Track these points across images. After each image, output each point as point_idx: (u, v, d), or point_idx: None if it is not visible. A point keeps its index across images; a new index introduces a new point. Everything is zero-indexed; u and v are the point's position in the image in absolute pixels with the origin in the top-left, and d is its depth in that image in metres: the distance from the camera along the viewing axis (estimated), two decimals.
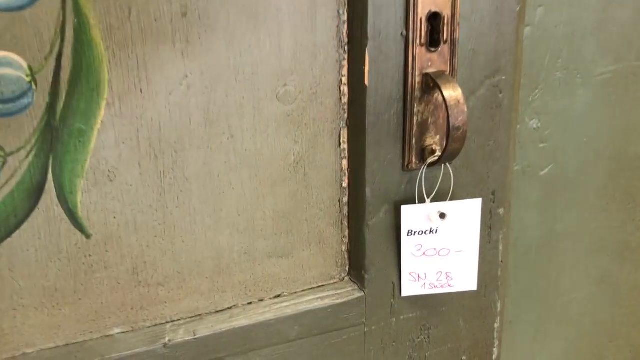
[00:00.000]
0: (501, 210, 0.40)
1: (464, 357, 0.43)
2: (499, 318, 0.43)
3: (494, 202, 0.39)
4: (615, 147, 0.46)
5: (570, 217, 0.46)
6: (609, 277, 0.50)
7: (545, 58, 0.41)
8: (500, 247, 0.41)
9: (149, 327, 0.34)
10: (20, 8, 0.27)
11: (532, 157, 0.43)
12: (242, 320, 0.35)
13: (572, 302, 0.49)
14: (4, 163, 0.28)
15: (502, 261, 0.41)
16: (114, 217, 0.31)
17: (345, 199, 0.37)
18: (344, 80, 0.34)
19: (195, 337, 0.34)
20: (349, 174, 0.36)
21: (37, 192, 0.29)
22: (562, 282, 0.48)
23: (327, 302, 0.37)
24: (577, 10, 0.41)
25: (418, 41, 0.34)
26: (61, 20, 0.28)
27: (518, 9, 0.36)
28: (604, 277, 0.49)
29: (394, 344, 0.40)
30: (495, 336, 0.43)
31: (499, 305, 0.42)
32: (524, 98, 0.41)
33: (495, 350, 0.44)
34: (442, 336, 0.41)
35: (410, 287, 0.38)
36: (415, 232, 0.37)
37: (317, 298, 0.37)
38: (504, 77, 0.37)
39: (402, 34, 0.33)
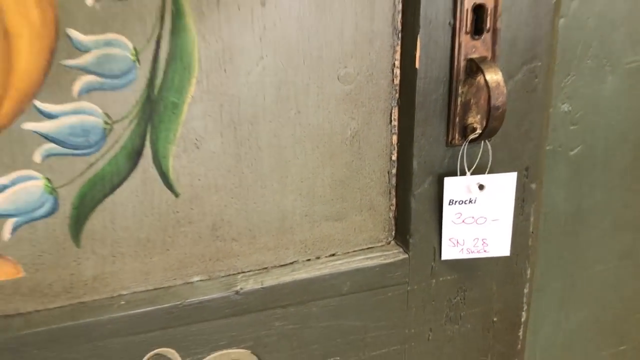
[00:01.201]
0: (534, 185, 0.44)
1: (495, 319, 0.47)
2: (528, 284, 0.47)
3: (527, 178, 0.44)
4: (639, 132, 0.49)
5: (596, 194, 0.50)
6: (632, 253, 0.53)
7: (578, 47, 0.45)
8: (532, 219, 0.45)
9: (223, 276, 0.39)
10: None
11: (563, 138, 0.47)
12: (302, 274, 0.40)
13: (596, 274, 0.53)
14: (111, 130, 0.33)
15: (532, 232, 0.45)
16: (199, 180, 0.36)
17: (394, 171, 0.41)
18: (397, 63, 0.39)
19: (263, 286, 0.38)
20: (398, 148, 0.41)
21: (136, 155, 0.34)
22: (588, 255, 0.52)
23: (375, 262, 0.42)
24: (608, 3, 0.44)
25: (464, 29, 0.38)
26: (161, 8, 0.32)
27: (554, 1, 0.40)
28: (627, 252, 0.53)
29: (433, 302, 0.44)
30: (525, 301, 0.48)
31: (528, 272, 0.47)
32: (556, 83, 0.45)
33: (524, 314, 0.48)
34: (476, 298, 0.46)
35: (449, 252, 0.43)
36: (455, 202, 0.41)
37: (367, 258, 0.42)
38: (539, 64, 0.41)
39: (449, 23, 0.38)
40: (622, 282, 0.54)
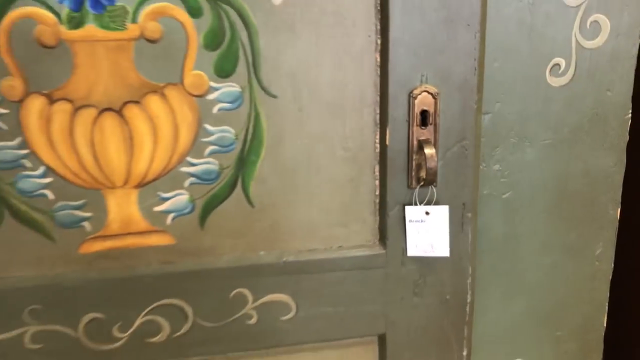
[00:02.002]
0: (469, 214, 0.72)
1: (448, 297, 0.75)
2: (470, 277, 0.74)
3: (464, 209, 0.71)
4: (556, 184, 0.75)
5: (524, 224, 0.76)
6: (558, 263, 0.79)
7: (502, 130, 0.72)
8: (470, 235, 0.72)
9: (276, 253, 0.70)
10: (235, 107, 0.65)
11: (497, 186, 0.74)
12: (321, 256, 0.70)
13: (531, 275, 0.79)
14: (222, 171, 0.67)
15: (470, 243, 0.73)
16: (265, 199, 0.68)
17: (377, 201, 0.71)
18: (377, 141, 0.69)
19: (297, 260, 0.70)
20: (379, 188, 0.71)
21: (233, 185, 0.67)
22: (523, 262, 0.78)
23: (366, 253, 0.71)
24: (524, 104, 0.71)
25: (415, 123, 0.67)
26: (249, 114, 0.65)
27: (476, 107, 0.68)
28: (555, 262, 0.78)
29: (402, 282, 0.73)
30: (468, 287, 0.75)
31: (469, 269, 0.74)
32: (488, 152, 0.72)
33: (468, 297, 0.75)
34: (433, 282, 0.74)
35: (411, 250, 0.71)
36: (413, 221, 0.70)
37: (360, 250, 0.72)
38: (467, 142, 0.69)
39: (406, 120, 0.67)
40: (553, 281, 0.79)
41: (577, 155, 0.74)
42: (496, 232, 0.76)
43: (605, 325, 0.82)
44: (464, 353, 0.77)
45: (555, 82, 0.70)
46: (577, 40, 0.69)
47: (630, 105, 0.72)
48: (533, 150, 0.73)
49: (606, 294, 0.81)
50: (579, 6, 0.68)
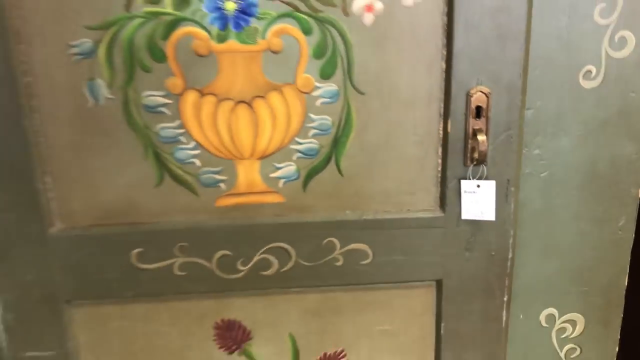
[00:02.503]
0: (512, 188, 0.91)
1: (493, 253, 0.95)
2: (511, 238, 0.94)
3: (508, 184, 0.91)
4: (587, 167, 0.93)
5: (559, 198, 0.95)
6: (586, 235, 0.97)
7: (542, 123, 0.90)
8: (512, 205, 0.92)
9: (358, 212, 0.92)
10: (333, 101, 0.86)
11: (536, 167, 0.93)
12: (393, 215, 0.92)
13: (566, 238, 0.97)
14: (321, 148, 0.89)
15: (513, 211, 0.92)
16: (352, 170, 0.90)
17: (439, 176, 0.91)
18: (440, 130, 0.89)
19: (375, 218, 0.91)
20: (441, 165, 0.91)
21: (328, 160, 0.89)
22: (556, 231, 0.97)
23: (429, 215, 0.92)
24: (561, 102, 0.89)
25: (471, 116, 0.87)
26: (343, 107, 0.87)
27: (520, 104, 0.87)
28: (582, 234, 0.97)
29: (457, 239, 0.93)
30: (510, 246, 0.94)
31: (511, 231, 0.93)
32: (530, 140, 0.91)
33: (510, 253, 0.95)
34: (481, 240, 0.94)
35: (465, 215, 0.91)
36: (467, 192, 0.90)
37: (425, 213, 0.92)
38: (512, 131, 0.88)
39: (464, 113, 0.87)
40: (582, 246, 0.98)
41: (604, 144, 0.91)
42: (535, 204, 0.95)
43: (626, 284, 1.00)
44: (505, 299, 0.97)
45: (587, 85, 0.88)
46: (606, 52, 0.86)
47: None
48: (567, 139, 0.91)
49: (627, 258, 0.98)
50: (608, 25, 0.85)
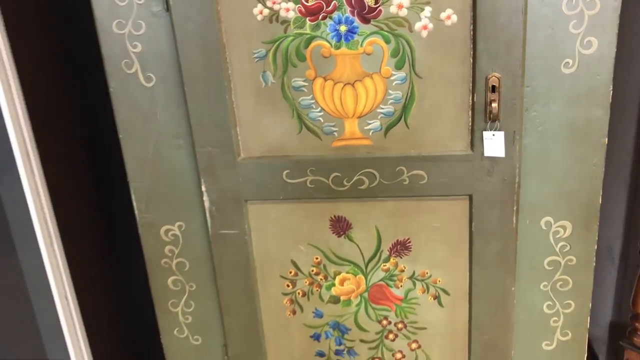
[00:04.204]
0: (517, 137, 1.44)
1: (505, 178, 1.48)
2: (517, 168, 1.47)
3: (514, 134, 1.44)
4: (570, 124, 1.44)
5: (551, 143, 1.47)
6: (569, 169, 1.48)
7: (538, 95, 1.42)
8: (517, 147, 1.45)
9: (419, 150, 1.49)
10: (402, 83, 1.43)
11: (534, 123, 1.45)
12: (441, 153, 1.48)
13: (555, 170, 1.49)
14: (395, 111, 1.46)
15: (517, 150, 1.45)
16: (415, 121, 1.47)
17: (470, 128, 1.46)
18: (470, 99, 1.43)
19: (430, 154, 1.48)
20: (471, 122, 1.45)
21: (399, 121, 1.47)
22: (550, 164, 1.49)
23: (463, 153, 1.47)
24: (549, 83, 1.41)
25: (488, 91, 1.40)
26: (409, 85, 1.43)
27: (521, 84, 1.39)
28: (568, 168, 1.48)
29: (481, 169, 1.48)
30: (517, 174, 1.47)
31: (517, 165, 1.46)
32: (529, 106, 1.43)
33: (517, 178, 1.48)
34: (497, 169, 1.46)
35: (487, 153, 1.46)
36: (487, 138, 1.44)
37: (461, 152, 1.47)
38: (516, 101, 1.41)
39: (484, 89, 1.41)
40: (568, 174, 1.49)
41: (580, 109, 1.42)
42: (534, 147, 1.46)
43: (600, 202, 1.50)
44: (514, 209, 1.51)
45: (566, 71, 1.38)
46: (578, 50, 1.37)
47: (610, 83, 1.39)
48: (555, 105, 1.42)
49: (600, 185, 1.48)
50: (579, 33, 1.35)
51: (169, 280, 1.67)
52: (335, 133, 1.48)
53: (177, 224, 1.60)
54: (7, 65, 1.36)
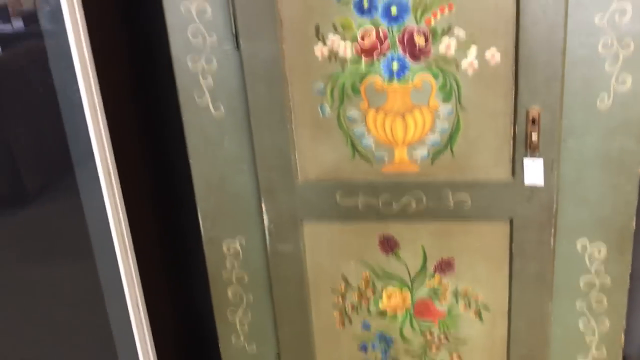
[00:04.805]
0: (555, 165, 1.56)
1: (544, 203, 1.60)
2: (555, 195, 1.58)
3: (552, 162, 1.55)
4: (603, 153, 1.55)
5: (586, 171, 1.58)
6: (606, 195, 1.59)
7: (573, 129, 1.54)
8: (555, 175, 1.56)
9: (464, 176, 1.62)
10: (449, 115, 1.56)
11: (571, 153, 1.56)
12: (485, 178, 1.60)
13: (590, 194, 1.60)
14: (441, 140, 1.59)
15: (555, 178, 1.57)
16: (461, 152, 1.60)
17: (511, 157, 1.58)
18: (512, 130, 1.55)
19: (474, 179, 1.61)
20: (512, 151, 1.58)
21: (445, 147, 1.60)
22: (585, 190, 1.60)
23: (505, 180, 1.59)
24: (585, 119, 1.52)
25: (530, 124, 1.52)
26: (454, 117, 1.56)
27: (558, 117, 1.51)
28: (603, 194, 1.59)
29: (521, 194, 1.59)
30: (554, 200, 1.59)
31: (555, 192, 1.58)
32: (566, 138, 1.55)
33: (554, 204, 1.59)
34: (536, 196, 1.58)
35: (527, 180, 1.58)
36: (527, 166, 1.56)
37: (504, 178, 1.60)
38: (555, 132, 1.53)
39: (524, 121, 1.53)
40: (603, 201, 1.60)
41: (614, 140, 1.53)
42: (571, 175, 1.57)
43: (634, 227, 1.60)
44: (552, 231, 1.62)
45: (601, 107, 1.50)
46: (614, 86, 1.48)
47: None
48: (591, 137, 1.53)
49: (634, 211, 1.59)
50: (614, 71, 1.47)
51: (229, 291, 1.82)
52: (385, 159, 1.62)
53: (238, 240, 1.75)
54: (99, 117, 1.54)
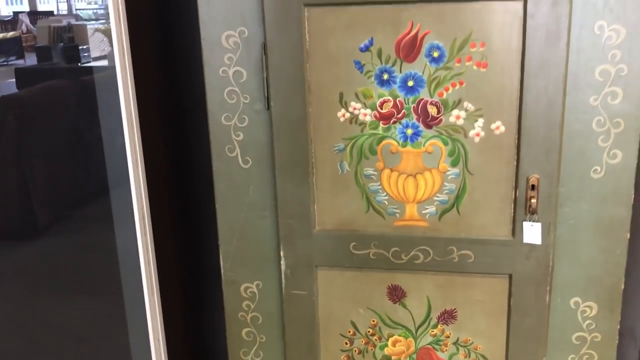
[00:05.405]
0: (552, 227, 1.71)
1: (540, 261, 1.74)
2: (551, 254, 1.73)
3: (549, 225, 1.71)
4: (596, 218, 1.70)
5: (580, 234, 1.73)
6: (598, 256, 1.73)
7: (569, 196, 1.70)
8: (552, 236, 1.71)
9: (468, 234, 1.77)
10: (456, 177, 1.72)
11: (566, 217, 1.72)
12: (487, 237, 1.75)
13: (583, 253, 1.75)
14: (449, 200, 1.75)
15: (552, 240, 1.71)
16: (466, 212, 1.75)
17: (512, 218, 1.74)
18: (513, 194, 1.71)
19: (478, 238, 1.75)
20: (513, 213, 1.73)
21: (452, 206, 1.75)
22: (579, 249, 1.75)
23: (505, 239, 1.74)
24: (580, 186, 1.68)
25: (529, 189, 1.68)
26: (461, 179, 1.72)
27: (556, 185, 1.67)
28: (594, 256, 1.73)
29: (520, 252, 1.74)
30: (550, 258, 1.73)
31: (551, 251, 1.72)
32: (562, 204, 1.71)
33: (550, 262, 1.74)
34: (534, 254, 1.72)
35: (525, 240, 1.72)
36: (526, 227, 1.71)
37: (503, 237, 1.74)
38: (552, 198, 1.68)
39: (524, 187, 1.69)
40: (595, 262, 1.75)
41: (606, 207, 1.68)
42: (566, 237, 1.73)
43: (622, 287, 1.74)
44: (547, 289, 1.76)
45: (595, 176, 1.66)
46: (606, 160, 1.65)
47: (632, 188, 1.65)
48: (585, 203, 1.69)
49: (623, 272, 1.73)
50: (606, 146, 1.63)
51: (243, 332, 1.94)
52: (397, 214, 1.77)
53: (256, 282, 1.89)
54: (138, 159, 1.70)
